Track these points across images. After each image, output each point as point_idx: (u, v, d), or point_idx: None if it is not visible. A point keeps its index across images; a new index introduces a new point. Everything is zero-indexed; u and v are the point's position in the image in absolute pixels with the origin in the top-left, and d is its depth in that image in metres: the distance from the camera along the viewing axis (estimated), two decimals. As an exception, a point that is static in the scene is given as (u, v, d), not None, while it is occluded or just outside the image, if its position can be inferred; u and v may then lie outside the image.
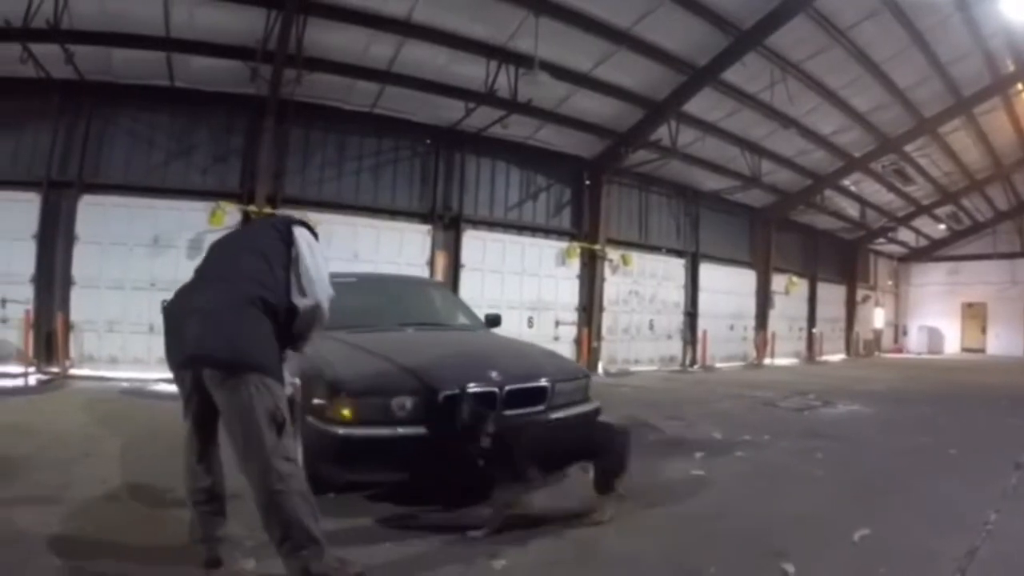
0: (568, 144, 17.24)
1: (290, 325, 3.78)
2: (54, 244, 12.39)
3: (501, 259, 16.51)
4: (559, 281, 17.60)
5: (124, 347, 12.54)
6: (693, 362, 20.65)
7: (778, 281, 24.27)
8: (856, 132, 19.24)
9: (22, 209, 12.21)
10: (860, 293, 30.34)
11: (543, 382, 5.42)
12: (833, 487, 5.97)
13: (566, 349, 16.36)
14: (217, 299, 3.62)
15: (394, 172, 15.25)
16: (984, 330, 32.63)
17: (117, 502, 5.00)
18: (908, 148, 20.87)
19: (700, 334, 20.79)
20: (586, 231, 18.03)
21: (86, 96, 12.64)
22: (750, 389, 14.06)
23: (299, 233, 3.95)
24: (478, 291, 15.26)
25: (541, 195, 17.61)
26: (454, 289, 13.99)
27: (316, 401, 4.91)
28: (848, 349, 29.37)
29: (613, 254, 18.40)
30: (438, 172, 15.77)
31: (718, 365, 20.82)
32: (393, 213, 15.16)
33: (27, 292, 12.11)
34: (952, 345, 33.09)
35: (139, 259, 12.64)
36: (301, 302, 3.79)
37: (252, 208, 12.88)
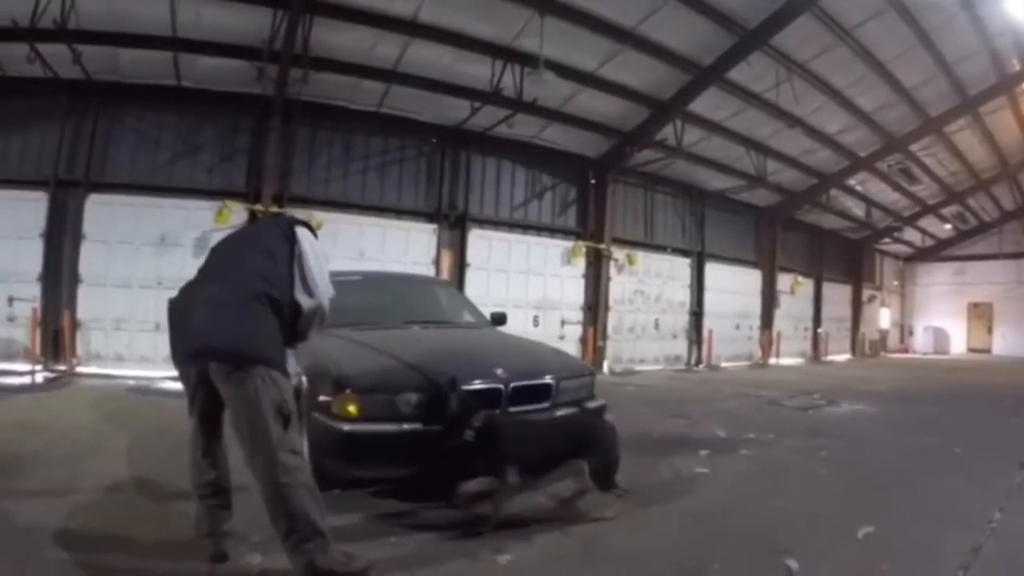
0: (573, 143, 17.24)
1: (293, 322, 3.80)
2: (61, 243, 12.45)
3: (507, 258, 16.52)
4: (564, 280, 17.60)
5: (131, 345, 12.58)
6: (698, 361, 20.64)
7: (783, 281, 24.23)
8: (862, 131, 19.18)
9: (30, 208, 12.26)
10: (866, 293, 30.22)
11: (548, 379, 5.45)
12: (837, 485, 5.98)
13: (571, 348, 16.32)
14: (222, 294, 3.65)
15: (400, 171, 15.28)
16: (990, 330, 32.49)
17: (123, 497, 5.03)
18: (914, 147, 20.80)
19: (705, 334, 20.78)
20: (591, 230, 18.03)
21: (93, 96, 12.69)
22: (755, 388, 14.05)
23: (301, 233, 3.99)
24: (484, 290, 15.27)
25: (546, 194, 17.62)
26: (460, 288, 13.93)
27: (322, 398, 4.94)
28: (854, 349, 29.27)
29: (618, 253, 18.40)
30: (444, 171, 15.80)
31: (723, 365, 20.81)
32: (399, 212, 15.20)
33: (34, 290, 12.17)
34: (958, 345, 32.93)
35: (146, 258, 12.68)
36: (305, 301, 3.82)
37: (258, 207, 12.94)
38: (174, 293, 3.90)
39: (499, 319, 7.79)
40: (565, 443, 4.76)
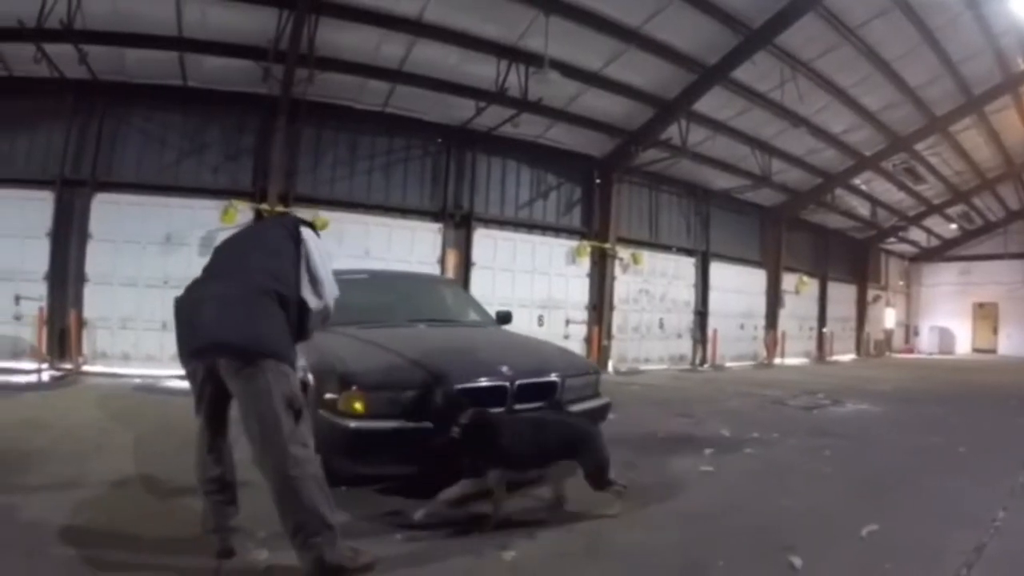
0: (578, 143, 17.25)
1: (298, 319, 3.82)
2: (68, 242, 12.50)
3: (512, 257, 16.55)
4: (569, 280, 17.63)
5: (137, 344, 12.64)
6: (703, 361, 20.63)
7: (788, 280, 24.21)
8: (866, 131, 19.18)
9: (36, 207, 12.33)
10: (871, 293, 30.18)
11: (553, 377, 5.45)
12: (841, 484, 5.97)
13: (576, 347, 16.27)
14: (231, 291, 3.67)
15: (405, 171, 15.32)
16: (995, 330, 32.41)
17: (130, 494, 5.05)
18: (919, 147, 20.79)
19: (710, 333, 20.78)
20: (596, 230, 18.04)
21: (99, 96, 12.74)
22: (759, 388, 14.05)
23: (307, 233, 4.02)
24: (489, 289, 15.25)
25: (552, 194, 17.64)
26: (465, 287, 13.96)
27: (328, 395, 4.95)
28: (858, 349, 29.23)
29: (623, 253, 18.40)
30: (449, 171, 15.82)
31: (728, 364, 20.81)
32: (404, 211, 15.23)
33: (41, 289, 12.23)
34: (963, 345, 32.88)
35: (152, 257, 12.72)
36: (313, 301, 3.85)
37: (264, 206, 12.97)
38: (180, 292, 3.90)
39: (504, 318, 7.79)
40: (552, 443, 4.70)
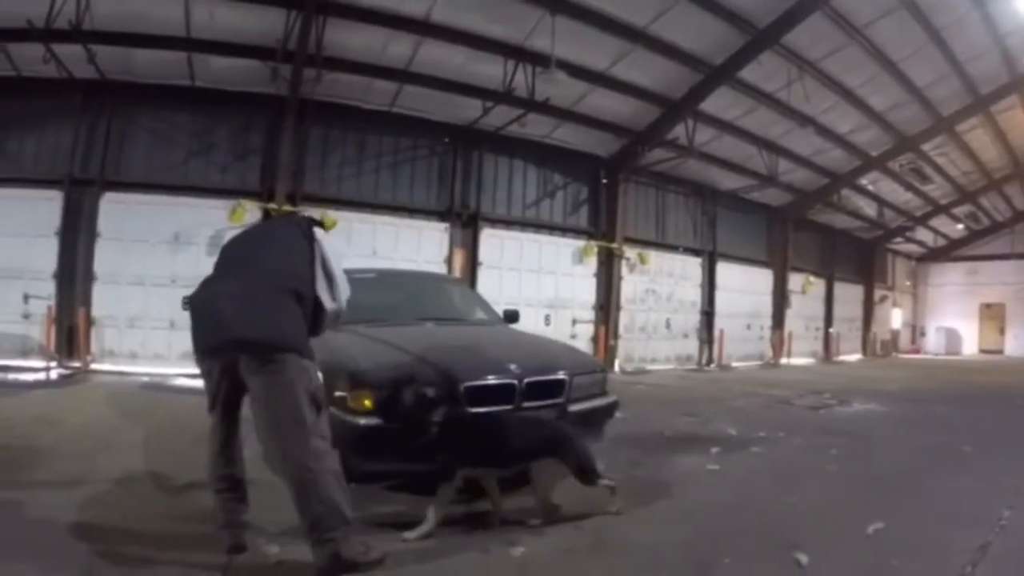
0: (585, 143, 17.26)
1: (313, 317, 3.86)
2: (76, 241, 12.57)
3: (519, 257, 16.57)
4: (576, 279, 17.64)
5: (144, 343, 12.68)
6: (710, 361, 20.62)
7: (795, 280, 24.15)
8: (873, 131, 19.13)
9: (45, 206, 12.39)
10: (878, 293, 30.12)
11: (561, 375, 5.48)
12: (847, 483, 5.99)
13: (583, 347, 16.16)
14: (249, 287, 3.70)
15: (412, 170, 15.35)
16: (1002, 331, 32.29)
17: (139, 490, 5.09)
18: (925, 147, 20.75)
19: (717, 333, 20.78)
20: (603, 230, 18.05)
21: (108, 95, 12.80)
22: (766, 388, 14.04)
23: (319, 233, 4.06)
24: (496, 289, 15.22)
25: (558, 193, 17.65)
26: (472, 287, 13.99)
27: (338, 392, 4.98)
28: (865, 349, 29.17)
29: (630, 253, 18.41)
30: (456, 170, 15.85)
31: (735, 364, 20.78)
32: (411, 211, 15.27)
33: (49, 288, 12.28)
34: (970, 346, 32.71)
35: (160, 256, 12.76)
36: (328, 302, 3.89)
37: (272, 206, 13.02)
38: (188, 291, 3.93)
39: (512, 316, 7.81)
40: (523, 442, 4.60)
